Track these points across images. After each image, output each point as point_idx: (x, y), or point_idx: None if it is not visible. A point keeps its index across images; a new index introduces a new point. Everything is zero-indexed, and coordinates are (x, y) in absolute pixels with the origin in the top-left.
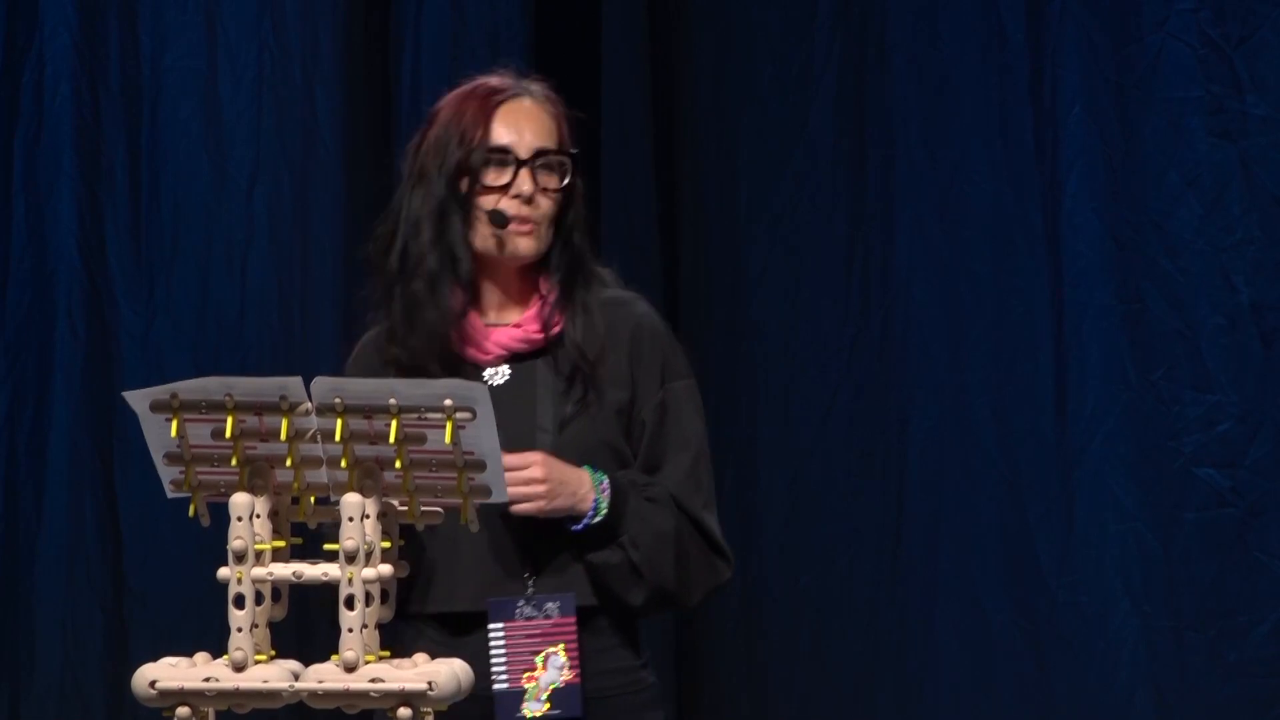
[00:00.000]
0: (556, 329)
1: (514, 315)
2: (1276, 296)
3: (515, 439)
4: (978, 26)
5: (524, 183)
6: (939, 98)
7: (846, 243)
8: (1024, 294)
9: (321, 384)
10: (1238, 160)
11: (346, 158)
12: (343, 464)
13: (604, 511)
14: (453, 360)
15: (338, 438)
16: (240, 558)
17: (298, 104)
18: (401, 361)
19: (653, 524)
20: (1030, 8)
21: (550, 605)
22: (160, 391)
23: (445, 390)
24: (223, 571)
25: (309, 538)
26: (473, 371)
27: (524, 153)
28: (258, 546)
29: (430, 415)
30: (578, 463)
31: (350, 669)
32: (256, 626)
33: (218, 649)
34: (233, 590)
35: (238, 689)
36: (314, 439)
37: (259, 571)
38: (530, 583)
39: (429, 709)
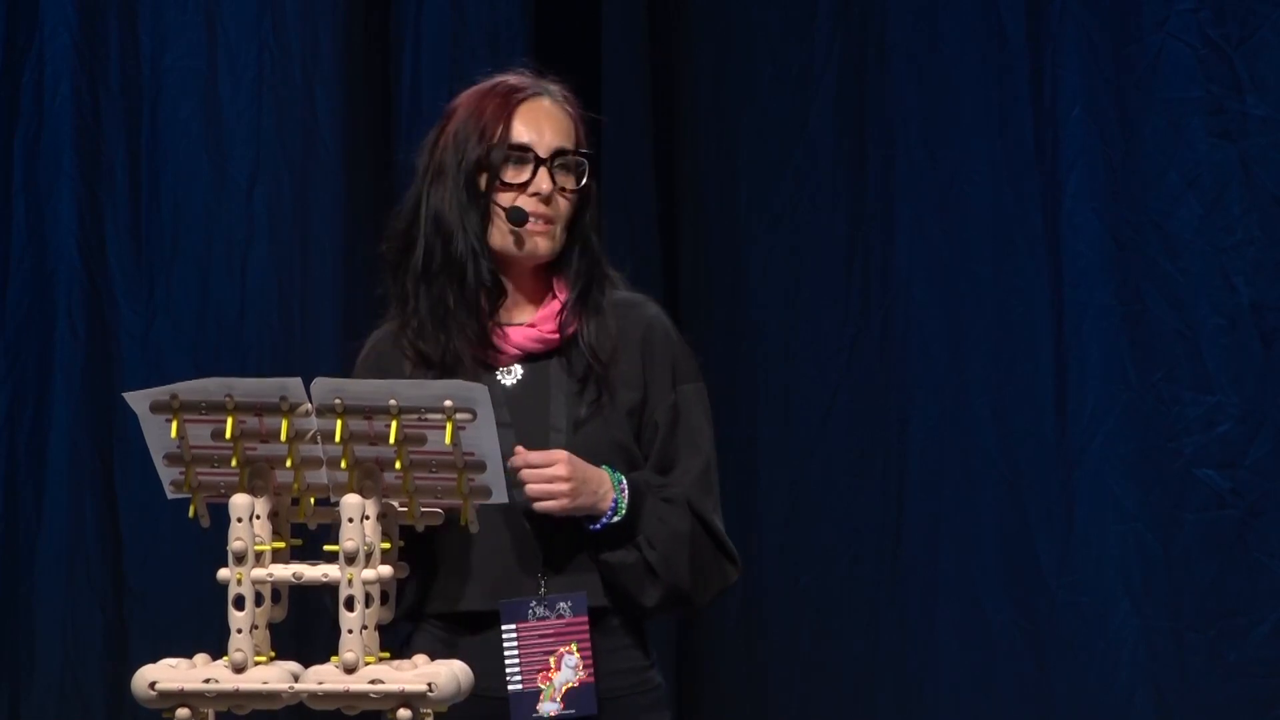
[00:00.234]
0: (571, 330)
1: (526, 315)
2: (1276, 296)
3: (529, 439)
4: (978, 26)
5: (543, 181)
6: (939, 98)
7: (846, 243)
8: (1024, 294)
9: (321, 385)
10: (1238, 160)
11: (346, 158)
12: (343, 465)
13: (623, 511)
14: (480, 357)
15: (338, 439)
16: (240, 559)
17: (298, 104)
18: (431, 359)
19: (669, 525)
20: (1030, 8)
21: (562, 605)
22: (160, 392)
23: (445, 391)
24: (223, 573)
25: (309, 539)
26: (487, 370)
27: (544, 151)
28: (258, 547)
29: (430, 416)
30: (591, 463)
31: (350, 670)
32: (256, 628)
33: (218, 650)
34: (232, 591)
35: (237, 690)
36: (314, 440)
37: (259, 573)
38: (543, 582)
39: (429, 710)
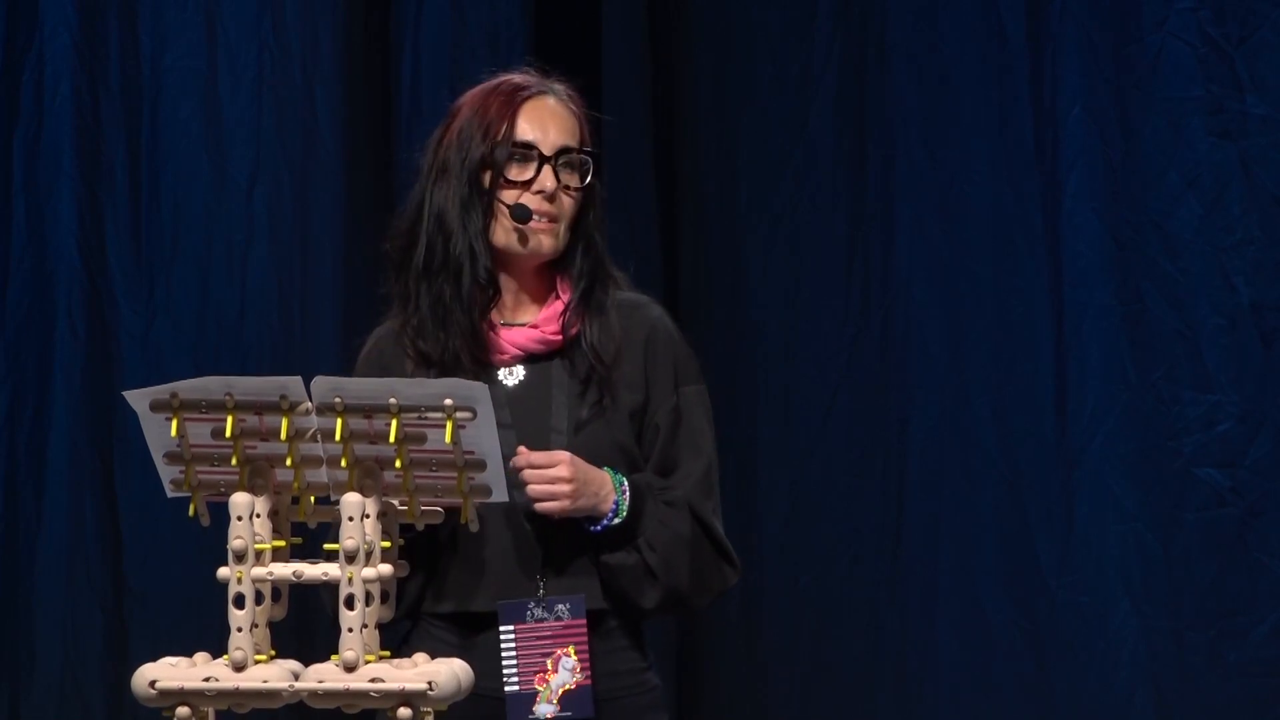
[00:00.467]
0: (574, 331)
1: (529, 315)
2: (1276, 296)
3: (530, 440)
4: (978, 26)
5: (547, 179)
6: (939, 98)
7: (846, 243)
8: (1024, 294)
9: (321, 384)
10: (1238, 160)
11: (346, 158)
12: (343, 463)
13: (624, 513)
14: (479, 357)
15: (338, 437)
16: (240, 557)
17: (298, 104)
18: (432, 358)
19: (670, 528)
20: (1030, 8)
21: (561, 607)
22: (160, 391)
23: (445, 390)
24: (223, 571)
25: (309, 537)
26: (488, 370)
27: (548, 150)
28: (258, 546)
29: (430, 415)
30: (593, 465)
31: (350, 669)
32: (256, 626)
33: (218, 649)
34: (233, 590)
35: (238, 689)
36: (314, 438)
37: (259, 571)
38: (542, 584)
39: (429, 709)
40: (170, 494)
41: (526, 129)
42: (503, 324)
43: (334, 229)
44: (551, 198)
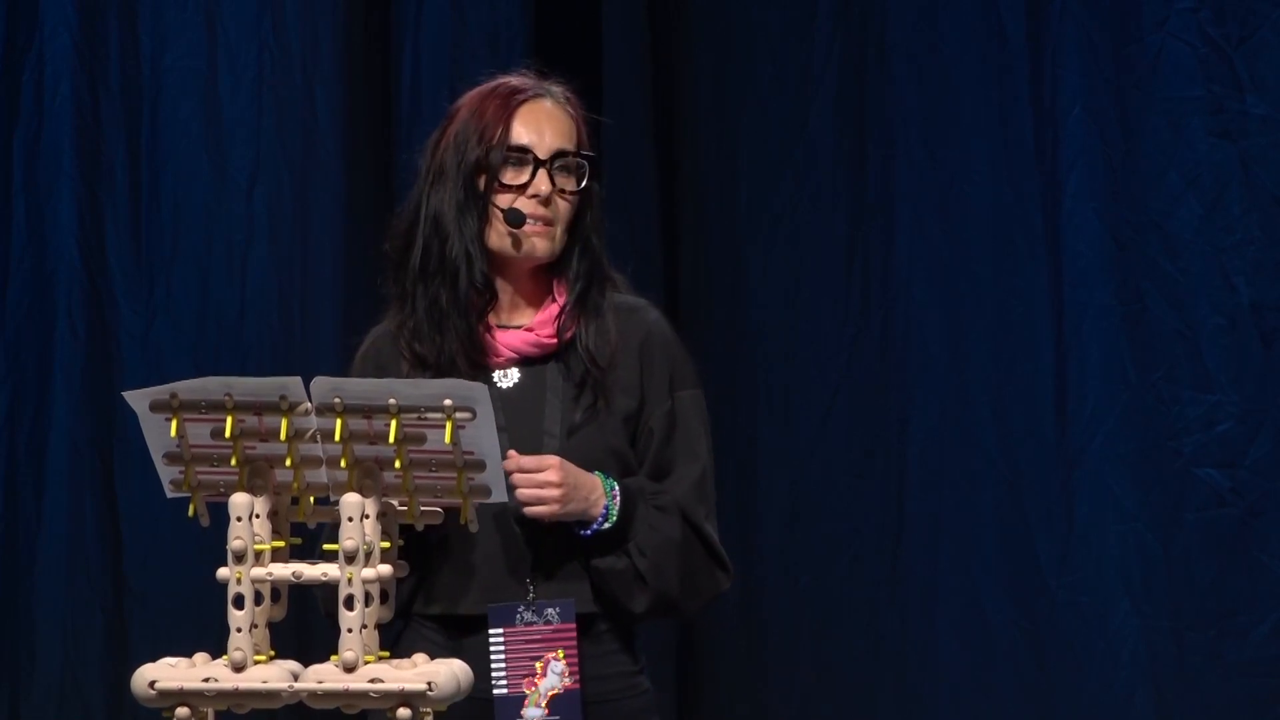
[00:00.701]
0: (569, 334)
1: (525, 318)
2: (1276, 296)
3: (522, 443)
4: (978, 26)
5: (542, 183)
6: (939, 98)
7: (846, 243)
8: (1024, 294)
9: (321, 384)
10: (1238, 160)
11: (346, 158)
12: (342, 464)
13: (614, 518)
14: (475, 360)
15: (337, 438)
16: (240, 558)
17: (298, 104)
18: (427, 361)
19: (661, 533)
20: (1030, 8)
21: (550, 611)
22: (160, 391)
23: (445, 390)
24: (222, 572)
25: (309, 537)
26: (483, 373)
27: (543, 153)
28: (257, 547)
29: (430, 415)
30: (585, 469)
31: (350, 669)
32: (256, 627)
33: (217, 649)
34: (232, 590)
35: (237, 689)
36: (314, 439)
37: (258, 571)
38: (532, 588)
39: (428, 709)
40: (170, 494)
41: (522, 132)
42: (499, 326)
43: (334, 229)
44: (546, 201)
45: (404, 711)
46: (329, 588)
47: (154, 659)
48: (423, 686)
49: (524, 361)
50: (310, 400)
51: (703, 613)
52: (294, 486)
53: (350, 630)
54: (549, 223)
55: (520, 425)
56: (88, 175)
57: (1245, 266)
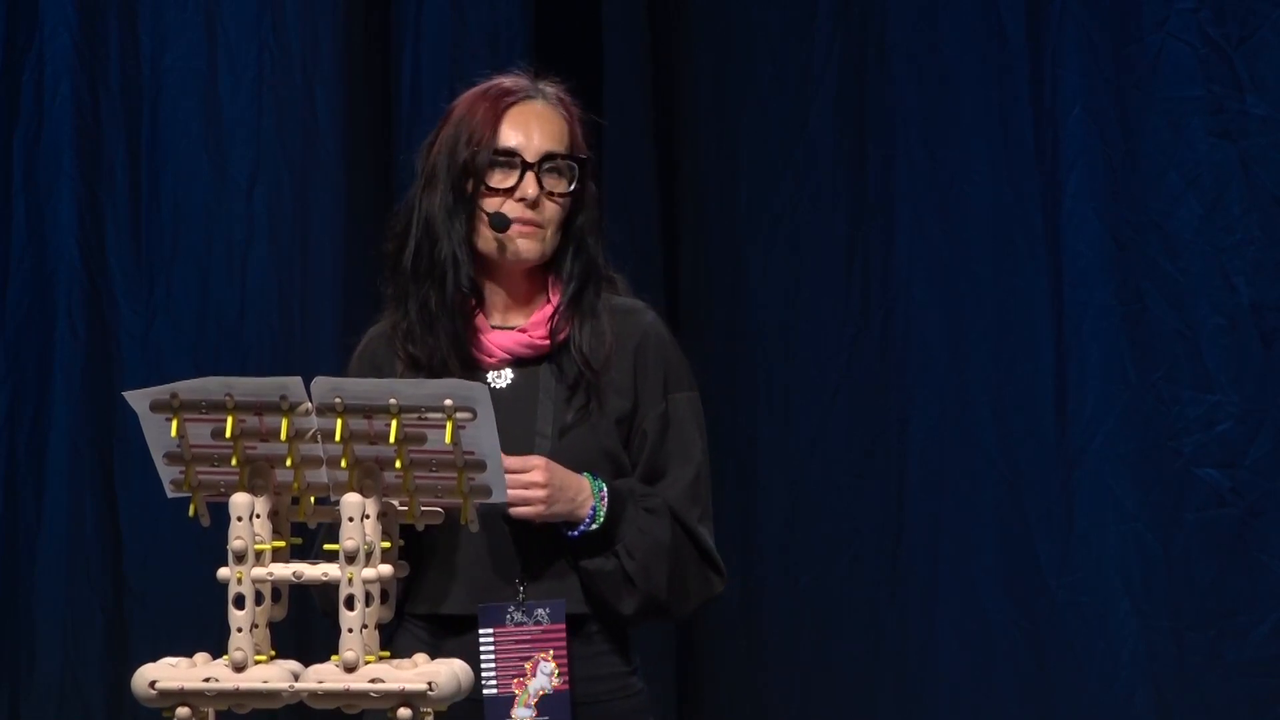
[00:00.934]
0: (563, 336)
1: (520, 318)
2: (1276, 296)
3: (514, 444)
4: (978, 26)
5: (529, 186)
6: (939, 98)
7: (846, 243)
8: (1024, 294)
9: (321, 384)
10: (1238, 160)
11: (346, 158)
12: (343, 464)
13: (601, 520)
14: (469, 361)
15: (338, 438)
16: (240, 558)
17: (298, 104)
18: (420, 361)
19: (649, 534)
20: (1030, 8)
21: (540, 612)
22: (160, 391)
23: (445, 390)
24: (223, 571)
25: (309, 537)
26: (477, 373)
27: (531, 156)
28: (258, 547)
29: (430, 415)
30: (576, 470)
31: (350, 669)
32: (256, 627)
33: (218, 649)
34: (233, 590)
35: (238, 689)
36: (314, 439)
37: (259, 572)
38: (521, 588)
39: (429, 709)
40: (170, 494)
41: (510, 135)
42: (493, 327)
43: (334, 229)
44: (534, 204)
45: (404, 712)
46: (325, 585)
47: (154, 659)
48: (423, 687)
49: (518, 362)
50: (311, 400)
51: (695, 615)
52: (294, 486)
53: (351, 630)
54: (537, 225)
55: (512, 426)
56: (88, 175)
57: (1245, 266)
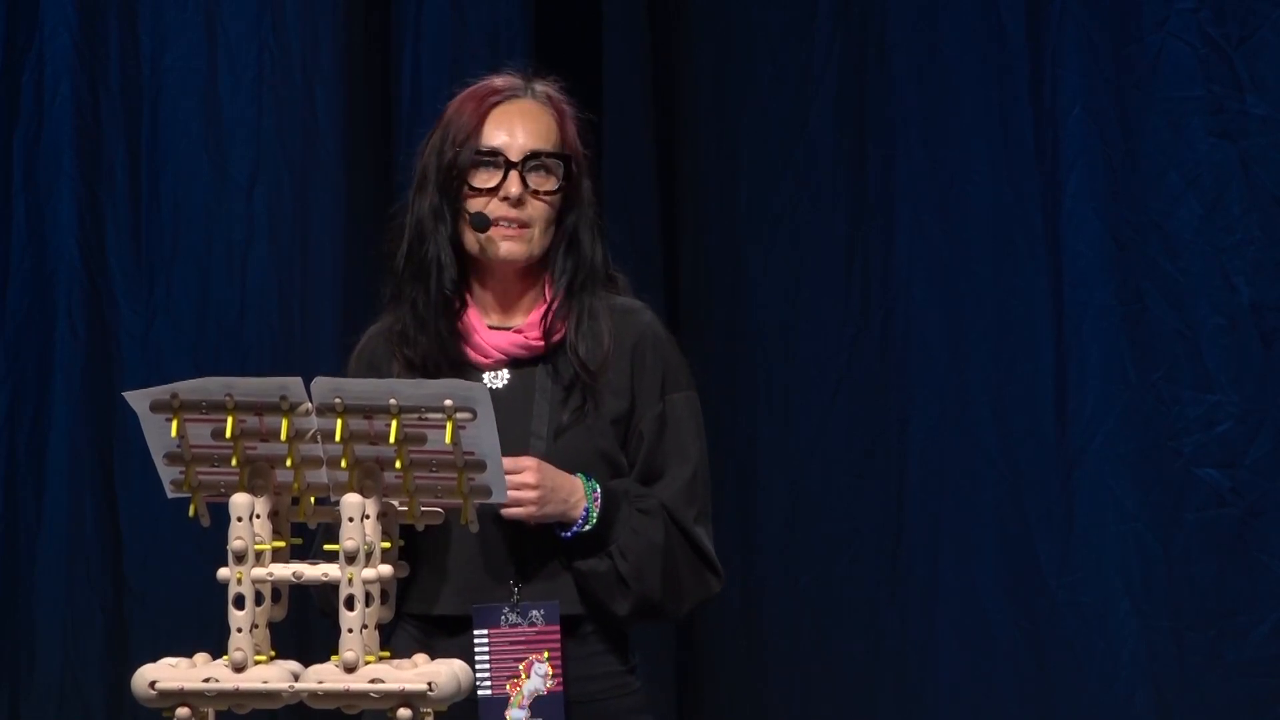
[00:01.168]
0: (558, 336)
1: (518, 318)
2: (1276, 296)
3: (509, 445)
4: (978, 26)
5: (512, 185)
6: (939, 98)
7: (846, 243)
8: (1024, 294)
9: (321, 384)
10: (1238, 160)
11: (346, 158)
12: (343, 464)
13: (594, 520)
14: (459, 362)
15: (338, 438)
16: (240, 558)
17: (298, 104)
18: (415, 363)
19: (643, 535)
20: (1030, 8)
21: (535, 613)
22: (160, 391)
23: (445, 390)
24: (223, 572)
25: (309, 537)
26: (472, 374)
27: (514, 155)
28: (258, 547)
29: (430, 415)
30: (571, 471)
31: (350, 669)
32: (256, 627)
33: (218, 649)
34: (233, 591)
35: (237, 689)
36: (314, 439)
37: (259, 572)
38: (516, 589)
39: (429, 709)
40: (170, 494)
41: (493, 134)
42: (491, 327)
43: (334, 229)
44: (518, 203)
45: (404, 712)
46: (325, 585)
47: (154, 659)
48: (423, 687)
49: (514, 363)
50: (311, 400)
51: (693, 615)
52: (294, 487)
53: (351, 630)
54: (523, 225)
55: (508, 427)
56: (88, 175)
57: (1245, 266)
